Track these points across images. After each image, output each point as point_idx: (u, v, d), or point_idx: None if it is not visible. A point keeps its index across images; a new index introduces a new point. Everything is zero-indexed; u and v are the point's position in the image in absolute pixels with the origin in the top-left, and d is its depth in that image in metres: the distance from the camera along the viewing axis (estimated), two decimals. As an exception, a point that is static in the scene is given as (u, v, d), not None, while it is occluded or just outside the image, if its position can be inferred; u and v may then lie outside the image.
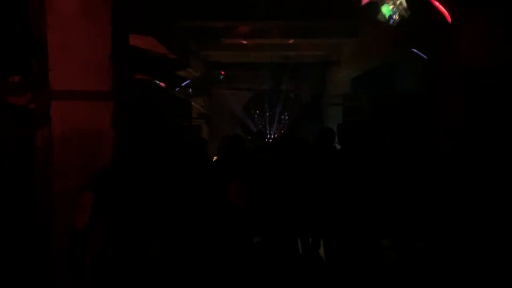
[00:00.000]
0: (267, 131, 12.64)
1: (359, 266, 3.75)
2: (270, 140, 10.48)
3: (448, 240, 3.46)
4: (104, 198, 2.54)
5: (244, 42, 8.74)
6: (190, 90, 9.93)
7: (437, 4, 3.42)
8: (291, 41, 8.68)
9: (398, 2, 3.56)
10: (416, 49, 6.37)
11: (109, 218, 2.51)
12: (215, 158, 5.02)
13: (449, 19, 3.48)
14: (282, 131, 12.96)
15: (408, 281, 3.41)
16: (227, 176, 3.93)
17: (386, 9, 3.66)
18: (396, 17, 3.75)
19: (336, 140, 4.49)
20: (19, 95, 3.24)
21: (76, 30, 3.20)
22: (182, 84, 9.21)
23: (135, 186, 2.68)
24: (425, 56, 6.20)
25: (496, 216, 3.16)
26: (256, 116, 13.40)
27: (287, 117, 13.16)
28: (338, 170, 4.15)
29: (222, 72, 10.75)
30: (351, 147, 4.19)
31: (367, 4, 3.68)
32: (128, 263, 2.52)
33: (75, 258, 2.53)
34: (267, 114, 13.34)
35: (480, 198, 3.24)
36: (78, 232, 2.51)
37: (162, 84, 7.36)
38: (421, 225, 3.74)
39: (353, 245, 3.94)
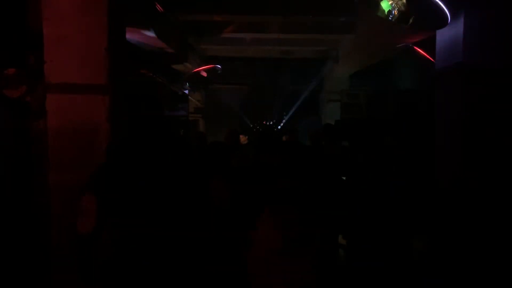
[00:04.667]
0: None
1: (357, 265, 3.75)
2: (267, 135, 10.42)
3: (446, 238, 3.46)
4: (109, 199, 2.44)
5: (242, 36, 8.71)
6: (187, 84, 9.89)
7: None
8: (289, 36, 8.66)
9: (397, -3, 3.54)
10: (414, 46, 6.37)
11: (119, 221, 2.41)
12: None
13: (448, 16, 3.47)
14: (279, 127, 12.94)
15: (406, 279, 3.41)
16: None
17: (386, 5, 3.63)
18: (395, 12, 3.73)
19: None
20: (15, 87, 3.21)
21: (72, 23, 3.17)
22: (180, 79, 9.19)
23: (137, 183, 2.62)
24: (423, 53, 6.20)
25: (494, 214, 3.16)
26: (253, 111, 13.36)
27: (284, 113, 13.12)
28: (337, 166, 4.14)
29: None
30: (350, 143, 4.18)
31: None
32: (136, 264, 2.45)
33: (84, 262, 2.45)
34: (264, 109, 13.31)
35: (479, 196, 3.24)
36: (85, 236, 2.41)
37: (159, 78, 7.32)
38: (420, 223, 3.74)
39: (351, 244, 3.93)
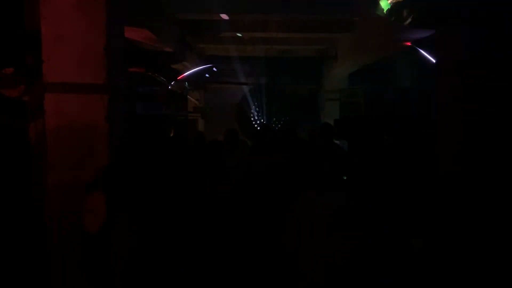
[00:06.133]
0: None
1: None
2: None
3: (444, 237, 3.46)
4: (118, 197, 2.43)
5: (241, 35, 8.70)
6: (186, 83, 9.87)
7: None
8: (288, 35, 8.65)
9: (396, -4, 3.54)
10: (413, 44, 6.36)
11: (131, 219, 2.39)
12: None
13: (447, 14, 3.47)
14: (278, 126, 12.92)
15: (404, 276, 3.41)
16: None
17: (384, 3, 3.64)
18: (393, 11, 3.73)
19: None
20: (13, 87, 3.20)
21: (70, 22, 3.16)
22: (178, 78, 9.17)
23: (141, 182, 2.61)
24: (422, 51, 6.19)
25: (494, 214, 3.15)
26: (252, 110, 13.35)
27: (283, 112, 13.11)
28: (335, 165, 4.13)
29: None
30: (349, 142, 4.17)
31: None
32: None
33: (89, 260, 2.42)
34: (263, 109, 13.29)
35: (479, 196, 3.23)
36: (93, 234, 2.39)
37: (157, 78, 7.31)
38: (418, 221, 3.74)
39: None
